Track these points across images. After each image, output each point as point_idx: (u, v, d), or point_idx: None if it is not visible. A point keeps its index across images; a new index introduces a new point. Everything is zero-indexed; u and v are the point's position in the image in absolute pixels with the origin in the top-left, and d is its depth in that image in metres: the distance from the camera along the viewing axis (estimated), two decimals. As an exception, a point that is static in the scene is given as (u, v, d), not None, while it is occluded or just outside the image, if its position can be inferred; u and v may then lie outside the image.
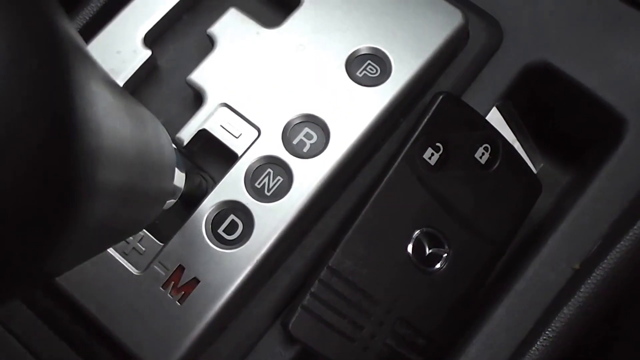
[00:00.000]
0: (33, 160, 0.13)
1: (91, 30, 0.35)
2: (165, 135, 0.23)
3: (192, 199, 0.31)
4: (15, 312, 0.34)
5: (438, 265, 0.34)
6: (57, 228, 0.14)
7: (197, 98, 0.34)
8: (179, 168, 0.26)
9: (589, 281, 0.33)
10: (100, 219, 0.16)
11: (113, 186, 0.16)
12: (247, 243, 0.31)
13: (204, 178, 0.33)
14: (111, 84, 0.18)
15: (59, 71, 0.14)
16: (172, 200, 0.26)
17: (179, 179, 0.26)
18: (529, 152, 0.39)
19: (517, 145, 0.38)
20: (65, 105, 0.14)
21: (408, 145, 0.34)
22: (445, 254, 0.34)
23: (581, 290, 0.33)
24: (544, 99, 0.38)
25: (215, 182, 0.33)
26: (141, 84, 0.35)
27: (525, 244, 0.37)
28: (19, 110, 0.12)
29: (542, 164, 0.40)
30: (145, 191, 0.20)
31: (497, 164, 0.35)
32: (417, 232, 0.34)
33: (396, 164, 0.33)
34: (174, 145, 0.26)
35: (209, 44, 0.34)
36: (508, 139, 0.37)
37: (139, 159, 0.19)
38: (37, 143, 0.13)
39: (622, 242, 0.33)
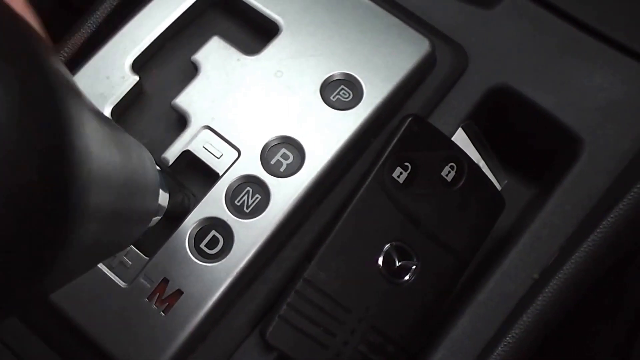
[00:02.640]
0: (31, 185, 0.14)
1: (82, 55, 0.38)
2: (149, 160, 0.26)
3: (175, 214, 0.34)
4: (7, 323, 0.36)
5: (407, 277, 0.36)
6: (51, 251, 0.16)
7: (181, 121, 0.36)
8: (162, 189, 0.28)
9: (547, 290, 0.35)
10: (91, 240, 0.18)
11: (103, 209, 0.18)
12: (227, 257, 0.33)
13: (186, 195, 0.35)
14: (98, 115, 0.20)
15: (52, 106, 0.16)
16: (157, 218, 0.29)
17: (163, 198, 0.28)
18: (494, 169, 0.41)
19: (482, 164, 0.41)
20: (58, 136, 0.16)
21: (378, 165, 0.36)
22: (414, 266, 0.36)
23: (539, 298, 0.35)
24: (507, 120, 0.41)
25: (197, 200, 0.35)
26: (129, 107, 0.37)
27: (489, 256, 0.39)
28: (15, 139, 0.14)
29: (506, 181, 0.42)
30: (132, 212, 0.23)
31: (462, 182, 0.38)
32: (387, 245, 0.36)
33: (367, 182, 0.36)
34: (157, 167, 0.28)
35: (193, 69, 0.37)
36: (473, 158, 0.39)
37: (125, 184, 0.21)
38: (34, 168, 0.15)
39: (577, 254, 0.36)
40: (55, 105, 0.16)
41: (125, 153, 0.21)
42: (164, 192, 0.28)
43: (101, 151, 0.19)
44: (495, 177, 0.42)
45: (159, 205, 0.28)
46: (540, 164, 0.41)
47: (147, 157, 0.25)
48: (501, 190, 0.42)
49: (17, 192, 0.14)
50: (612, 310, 0.69)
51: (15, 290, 0.16)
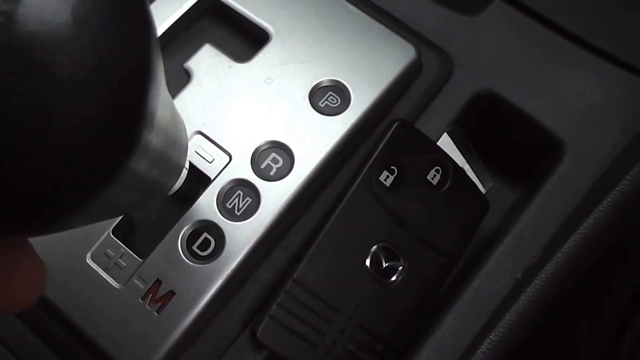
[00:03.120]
0: (118, 88, 0.15)
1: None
2: (182, 121, 0.27)
3: (187, 193, 0.35)
4: (6, 322, 0.37)
5: (394, 277, 0.37)
6: (122, 154, 0.17)
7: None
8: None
9: (529, 290, 0.36)
10: (139, 174, 0.19)
11: (154, 143, 0.20)
12: (219, 258, 0.34)
13: (199, 178, 0.36)
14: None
15: (146, 37, 0.17)
16: (180, 181, 0.30)
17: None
18: (479, 173, 0.43)
19: (467, 167, 0.42)
20: (146, 57, 0.17)
21: (366, 168, 0.37)
22: (401, 267, 0.38)
23: (521, 298, 0.36)
24: (492, 124, 0.42)
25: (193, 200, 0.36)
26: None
27: (474, 256, 0.40)
28: (110, 46, 0.15)
29: (491, 184, 0.43)
30: (171, 161, 0.24)
31: (447, 185, 0.39)
32: (374, 247, 0.37)
33: (355, 185, 0.37)
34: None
35: (186, 76, 0.38)
36: (458, 162, 0.40)
37: (171, 132, 0.22)
38: (124, 73, 0.16)
39: (558, 254, 0.37)
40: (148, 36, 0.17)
41: (171, 104, 0.23)
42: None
43: (164, 94, 0.20)
44: (481, 180, 0.43)
45: (184, 167, 0.29)
46: (525, 167, 0.42)
47: (180, 118, 0.27)
48: (486, 192, 0.43)
49: (110, 87, 0.15)
50: (598, 311, 0.70)
51: (73, 189, 0.16)
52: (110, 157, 0.16)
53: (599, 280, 0.70)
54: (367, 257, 0.37)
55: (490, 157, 0.43)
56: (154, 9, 0.39)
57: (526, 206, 0.39)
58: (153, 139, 0.19)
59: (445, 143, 0.41)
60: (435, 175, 0.39)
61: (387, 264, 0.37)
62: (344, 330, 0.36)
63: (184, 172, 0.30)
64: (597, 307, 0.69)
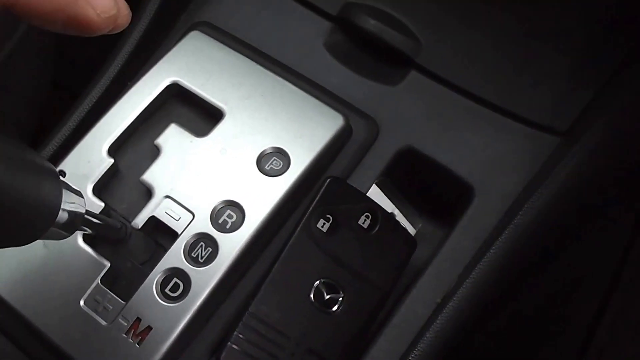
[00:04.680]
0: None
1: (70, 144, 0.48)
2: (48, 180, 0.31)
3: (110, 238, 0.43)
4: (7, 354, 0.45)
5: (335, 307, 0.45)
6: None
7: (148, 192, 0.45)
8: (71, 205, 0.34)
9: (444, 312, 0.44)
10: None
11: None
12: (187, 298, 0.42)
13: (124, 225, 0.44)
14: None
15: None
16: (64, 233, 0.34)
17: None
18: (408, 216, 0.51)
19: (396, 212, 0.50)
20: None
21: (305, 218, 0.45)
22: (340, 298, 0.45)
23: (438, 319, 0.44)
24: (415, 175, 0.50)
25: (165, 251, 0.44)
26: (107, 183, 0.47)
27: (404, 286, 0.48)
28: None
29: (420, 224, 0.51)
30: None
31: (377, 228, 0.47)
32: (317, 282, 0.45)
33: (296, 232, 0.45)
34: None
35: (157, 151, 0.47)
36: (388, 208, 0.48)
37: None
38: None
39: (467, 281, 0.44)
40: None
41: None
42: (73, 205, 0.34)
43: None
44: (411, 222, 0.51)
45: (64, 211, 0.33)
46: (446, 209, 0.51)
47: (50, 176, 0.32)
48: (417, 232, 0.51)
49: None
50: (557, 337, 0.77)
51: None
52: None
53: (555, 308, 0.77)
54: (311, 292, 0.45)
55: (418, 202, 0.52)
56: (130, 95, 0.49)
57: (444, 242, 0.47)
58: None
59: (375, 193, 0.49)
60: (365, 220, 0.47)
61: (328, 296, 0.45)
62: (294, 354, 0.44)
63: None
64: (556, 333, 0.75)
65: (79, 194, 0.35)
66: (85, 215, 0.36)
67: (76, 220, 0.35)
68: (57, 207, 0.32)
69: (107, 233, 0.42)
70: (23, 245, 0.31)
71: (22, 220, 0.30)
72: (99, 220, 0.40)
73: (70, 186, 0.34)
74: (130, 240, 0.45)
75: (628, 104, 0.48)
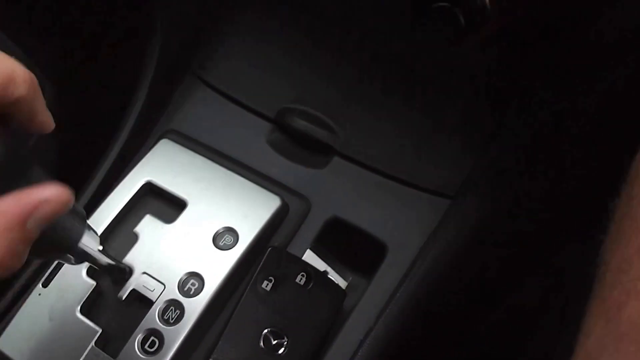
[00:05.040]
0: None
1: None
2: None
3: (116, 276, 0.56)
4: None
5: (281, 351, 0.57)
6: None
7: (130, 271, 0.59)
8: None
9: (364, 346, 0.56)
10: None
11: None
12: (161, 352, 0.55)
13: (123, 269, 0.56)
14: None
15: None
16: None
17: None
18: (340, 272, 0.63)
19: (329, 269, 0.63)
20: None
21: (251, 281, 0.58)
22: (285, 342, 0.57)
23: (359, 352, 0.56)
24: (343, 237, 0.63)
25: (143, 316, 0.57)
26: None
27: (335, 329, 0.60)
28: None
29: (351, 278, 0.64)
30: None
31: (311, 285, 0.59)
32: (265, 330, 0.57)
33: (246, 293, 0.58)
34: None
35: (135, 237, 0.60)
36: (320, 267, 0.61)
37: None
38: None
39: (378, 323, 0.57)
40: None
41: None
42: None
43: None
44: (342, 277, 0.63)
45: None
46: (367, 264, 0.63)
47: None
48: (349, 284, 0.64)
49: None
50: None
51: None
52: None
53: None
54: (260, 339, 0.57)
55: (347, 260, 0.64)
56: (114, 195, 0.62)
57: (364, 292, 0.60)
58: None
59: (310, 256, 0.62)
60: (301, 279, 0.59)
61: (275, 342, 0.57)
62: (250, 389, 0.56)
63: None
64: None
65: (95, 236, 0.49)
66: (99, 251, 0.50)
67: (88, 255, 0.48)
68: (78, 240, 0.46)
69: (110, 270, 0.53)
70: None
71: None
72: (109, 259, 0.52)
73: (91, 227, 0.48)
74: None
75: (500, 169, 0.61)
